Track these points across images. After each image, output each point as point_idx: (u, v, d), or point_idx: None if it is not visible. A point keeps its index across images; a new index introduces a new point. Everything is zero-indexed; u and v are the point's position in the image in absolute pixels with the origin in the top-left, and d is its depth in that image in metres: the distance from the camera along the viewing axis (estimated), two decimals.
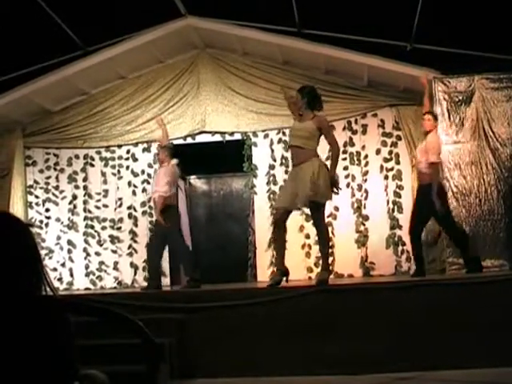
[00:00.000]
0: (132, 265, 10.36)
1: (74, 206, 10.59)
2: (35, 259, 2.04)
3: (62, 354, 1.94)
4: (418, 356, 5.98)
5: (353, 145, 10.06)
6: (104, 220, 10.52)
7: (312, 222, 7.36)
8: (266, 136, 10.21)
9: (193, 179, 11.71)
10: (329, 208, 9.95)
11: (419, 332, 6.06)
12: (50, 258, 10.41)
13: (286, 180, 7.19)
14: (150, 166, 10.46)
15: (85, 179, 10.62)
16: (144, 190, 10.43)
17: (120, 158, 10.62)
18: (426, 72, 8.96)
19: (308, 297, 6.35)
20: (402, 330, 6.10)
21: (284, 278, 7.00)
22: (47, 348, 1.91)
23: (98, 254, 10.45)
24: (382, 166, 9.96)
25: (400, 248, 9.69)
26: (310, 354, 6.06)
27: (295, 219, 8.53)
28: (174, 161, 8.80)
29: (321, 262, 7.18)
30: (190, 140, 10.40)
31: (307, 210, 7.68)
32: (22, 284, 1.98)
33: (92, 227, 10.52)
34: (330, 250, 9.79)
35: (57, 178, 10.67)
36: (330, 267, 7.33)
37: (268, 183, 10.14)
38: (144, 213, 10.42)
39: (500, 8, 8.56)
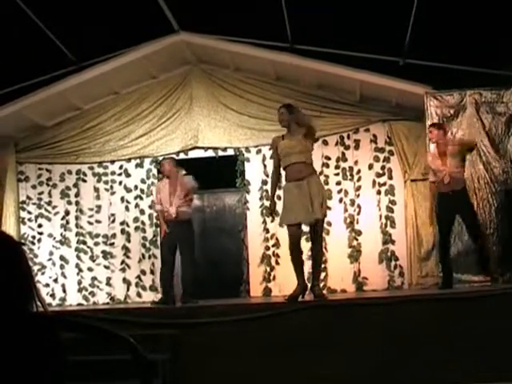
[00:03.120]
0: (125, 280, 10.32)
1: (67, 222, 10.56)
2: (27, 277, 2.02)
3: (51, 372, 1.92)
4: (411, 373, 5.95)
5: (345, 160, 10.06)
6: (97, 236, 10.48)
7: (313, 237, 7.07)
8: (258, 151, 10.21)
9: None
10: None
11: (413, 348, 6.03)
12: (43, 273, 10.37)
13: (288, 195, 7.03)
14: (142, 181, 10.44)
15: (77, 195, 10.59)
16: (137, 206, 10.42)
17: (113, 173, 10.60)
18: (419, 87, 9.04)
19: (304, 312, 6.31)
20: (396, 347, 6.06)
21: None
22: (37, 366, 1.90)
23: (90, 269, 10.41)
24: (374, 181, 9.97)
25: (393, 263, 9.68)
26: (305, 371, 6.02)
27: None
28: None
29: (312, 277, 7.16)
30: (182, 156, 10.35)
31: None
32: (14, 302, 1.96)
33: (84, 243, 10.48)
34: (323, 266, 9.82)
35: (49, 193, 10.64)
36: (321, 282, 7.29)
37: (261, 199, 10.11)
38: (137, 228, 10.39)
39: (492, 23, 8.61)
